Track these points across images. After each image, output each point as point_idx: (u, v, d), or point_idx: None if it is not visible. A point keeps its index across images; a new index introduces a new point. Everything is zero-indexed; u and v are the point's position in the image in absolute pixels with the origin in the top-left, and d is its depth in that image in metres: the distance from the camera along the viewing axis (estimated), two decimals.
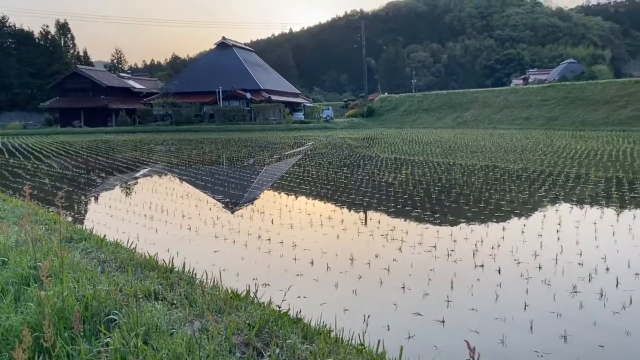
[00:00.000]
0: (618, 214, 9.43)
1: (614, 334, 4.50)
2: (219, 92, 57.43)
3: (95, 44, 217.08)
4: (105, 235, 7.40)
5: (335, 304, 5.21)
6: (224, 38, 68.20)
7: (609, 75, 78.88)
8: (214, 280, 5.32)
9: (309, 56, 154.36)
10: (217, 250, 7.49)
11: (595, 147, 22.91)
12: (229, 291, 4.82)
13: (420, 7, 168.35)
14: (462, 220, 9.28)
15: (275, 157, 23.69)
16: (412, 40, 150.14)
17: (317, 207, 10.81)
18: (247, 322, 3.96)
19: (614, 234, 7.94)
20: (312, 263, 6.70)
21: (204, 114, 58.65)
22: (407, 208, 10.42)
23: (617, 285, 5.66)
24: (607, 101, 41.60)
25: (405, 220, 9.32)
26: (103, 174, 17.28)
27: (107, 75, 69.50)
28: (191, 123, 55.83)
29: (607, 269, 6.22)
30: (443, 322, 4.77)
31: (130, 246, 6.86)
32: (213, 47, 70.02)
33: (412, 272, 6.28)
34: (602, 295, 5.37)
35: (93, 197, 13.05)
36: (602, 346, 4.26)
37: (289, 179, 15.40)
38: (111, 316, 3.86)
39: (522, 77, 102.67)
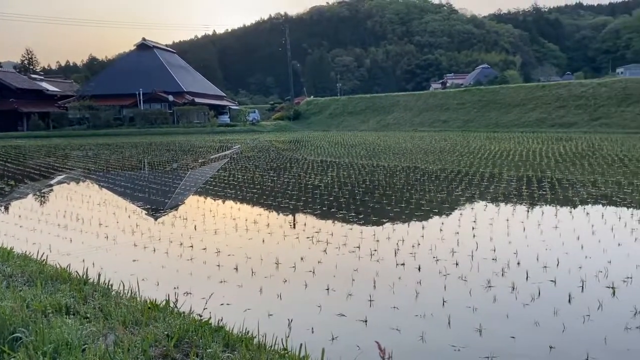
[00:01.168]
0: (528, 211, 10.02)
1: (524, 325, 4.76)
2: (139, 94, 55.46)
3: (2, 43, 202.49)
4: (12, 248, 6.92)
5: (260, 309, 5.16)
6: (144, 39, 66.00)
7: (519, 79, 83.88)
8: (131, 291, 5.11)
9: (234, 58, 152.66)
10: (136, 259, 7.20)
11: (507, 147, 24.26)
12: (148, 302, 4.65)
13: (343, 12, 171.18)
14: (384, 220, 9.50)
15: (200, 161, 23.20)
16: (337, 44, 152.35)
17: (242, 212, 10.68)
18: (166, 333, 3.82)
19: (524, 230, 8.43)
20: (236, 269, 6.60)
21: (124, 117, 56.45)
22: (333, 210, 10.53)
23: (527, 278, 6.00)
24: (518, 104, 44.20)
25: (330, 222, 9.40)
26: (12, 182, 16.15)
27: (16, 76, 65.06)
28: (110, 127, 53.56)
29: (519, 263, 6.58)
30: (366, 321, 4.84)
31: (40, 258, 6.45)
32: (133, 48, 67.62)
33: (336, 274, 6.34)
34: (513, 288, 5.67)
35: (1, 207, 12.17)
36: (513, 337, 4.49)
37: (214, 183, 15.13)
38: (16, 334, 3.61)
39: (441, 81, 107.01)
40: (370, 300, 5.37)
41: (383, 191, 12.73)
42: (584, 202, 10.71)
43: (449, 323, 4.78)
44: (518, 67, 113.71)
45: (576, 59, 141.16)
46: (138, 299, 4.84)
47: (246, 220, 9.68)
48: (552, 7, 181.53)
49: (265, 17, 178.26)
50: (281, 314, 5.02)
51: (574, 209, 10.15)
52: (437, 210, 10.33)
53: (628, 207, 10.10)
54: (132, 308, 4.39)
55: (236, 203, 11.81)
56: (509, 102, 45.15)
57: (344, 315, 5.01)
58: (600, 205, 10.40)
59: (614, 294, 5.47)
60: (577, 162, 17.38)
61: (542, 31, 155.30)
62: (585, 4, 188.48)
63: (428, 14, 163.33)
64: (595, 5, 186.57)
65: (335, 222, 9.44)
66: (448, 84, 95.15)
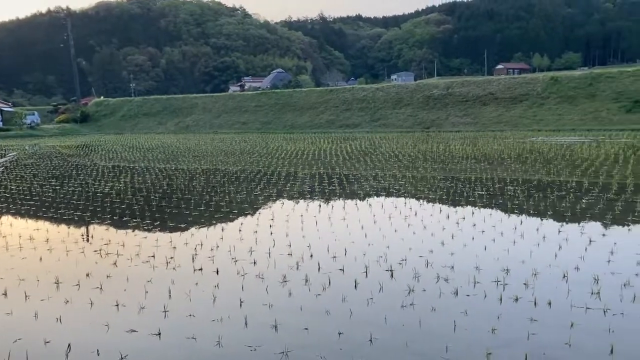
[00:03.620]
0: (320, 206, 10.64)
1: (316, 315, 4.99)
2: None
3: None
4: None
5: (34, 337, 4.52)
6: None
7: (311, 84, 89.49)
8: None
9: (5, 54, 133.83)
10: None
11: (302, 147, 25.58)
12: None
13: (134, 10, 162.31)
14: (182, 225, 9.19)
15: None
16: (128, 42, 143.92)
17: (15, 228, 9.33)
18: None
19: (316, 224, 8.91)
20: (5, 294, 5.71)
21: None
22: (125, 218, 9.83)
23: (319, 269, 6.32)
24: (310, 107, 47.02)
25: (122, 232, 8.75)
26: None
27: None
28: None
29: (312, 256, 6.91)
30: (159, 334, 4.57)
31: None
32: None
33: (127, 287, 5.90)
34: (307, 281, 5.92)
35: None
36: (306, 329, 4.66)
37: None
38: None
39: (239, 84, 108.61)
40: (165, 311, 5.10)
41: (182, 195, 12.34)
42: (367, 195, 11.77)
43: (245, 323, 4.77)
44: (309, 72, 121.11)
45: (358, 65, 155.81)
46: None
47: (20, 236, 8.47)
48: (336, 17, 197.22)
49: (44, 10, 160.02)
50: (61, 340, 4.46)
51: (359, 201, 11.09)
52: (236, 211, 10.35)
53: (402, 197, 11.38)
54: None
55: (8, 218, 10.29)
56: (303, 105, 47.75)
57: (135, 331, 4.67)
58: (380, 197, 11.53)
59: (392, 276, 6.07)
60: (362, 159, 19.09)
61: (328, 39, 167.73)
62: (364, 16, 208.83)
63: (223, 17, 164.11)
64: (372, 17, 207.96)
65: (128, 231, 8.82)
66: (246, 87, 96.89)
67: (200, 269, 6.49)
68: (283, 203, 11.17)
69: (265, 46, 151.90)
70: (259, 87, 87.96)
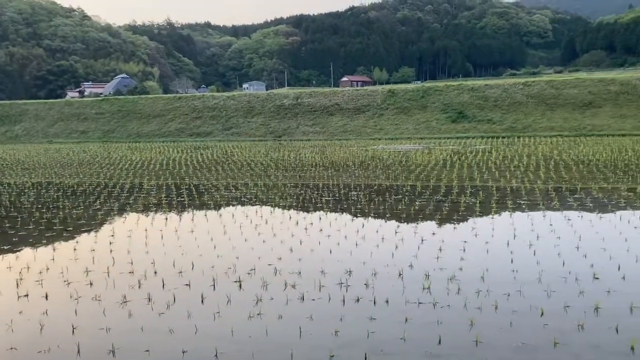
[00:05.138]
0: (167, 219, 10.20)
1: (159, 334, 4.73)
2: None
3: None
4: None
5: None
6: None
7: (158, 91, 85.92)
8: None
9: None
10: None
11: (149, 157, 24.39)
12: None
13: None
14: (5, 247, 8.19)
15: None
16: None
17: None
18: None
19: (162, 238, 8.52)
20: None
21: None
22: None
23: (163, 286, 6.04)
24: (158, 115, 45.09)
25: None
26: None
27: None
28: None
29: (155, 273, 6.58)
30: None
31: None
32: None
33: None
34: (149, 299, 5.61)
35: None
36: (147, 350, 4.41)
37: None
38: None
39: (78, 89, 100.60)
40: None
41: (6, 213, 11.01)
42: (218, 205, 11.57)
43: (78, 351, 4.37)
44: (157, 78, 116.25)
45: (209, 73, 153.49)
46: None
47: None
48: (184, 23, 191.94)
49: None
50: None
51: (209, 212, 10.85)
52: (72, 229, 9.49)
53: (254, 206, 11.39)
54: None
55: None
56: (149, 113, 45.63)
57: None
58: (232, 207, 11.41)
59: (240, 287, 6.01)
60: (213, 168, 18.75)
61: (177, 45, 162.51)
62: (213, 24, 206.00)
63: (58, 17, 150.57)
64: (222, 25, 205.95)
65: None
66: (86, 93, 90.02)
67: (26, 295, 5.82)
68: (125, 217, 10.51)
69: (107, 50, 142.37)
70: (101, 93, 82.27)
